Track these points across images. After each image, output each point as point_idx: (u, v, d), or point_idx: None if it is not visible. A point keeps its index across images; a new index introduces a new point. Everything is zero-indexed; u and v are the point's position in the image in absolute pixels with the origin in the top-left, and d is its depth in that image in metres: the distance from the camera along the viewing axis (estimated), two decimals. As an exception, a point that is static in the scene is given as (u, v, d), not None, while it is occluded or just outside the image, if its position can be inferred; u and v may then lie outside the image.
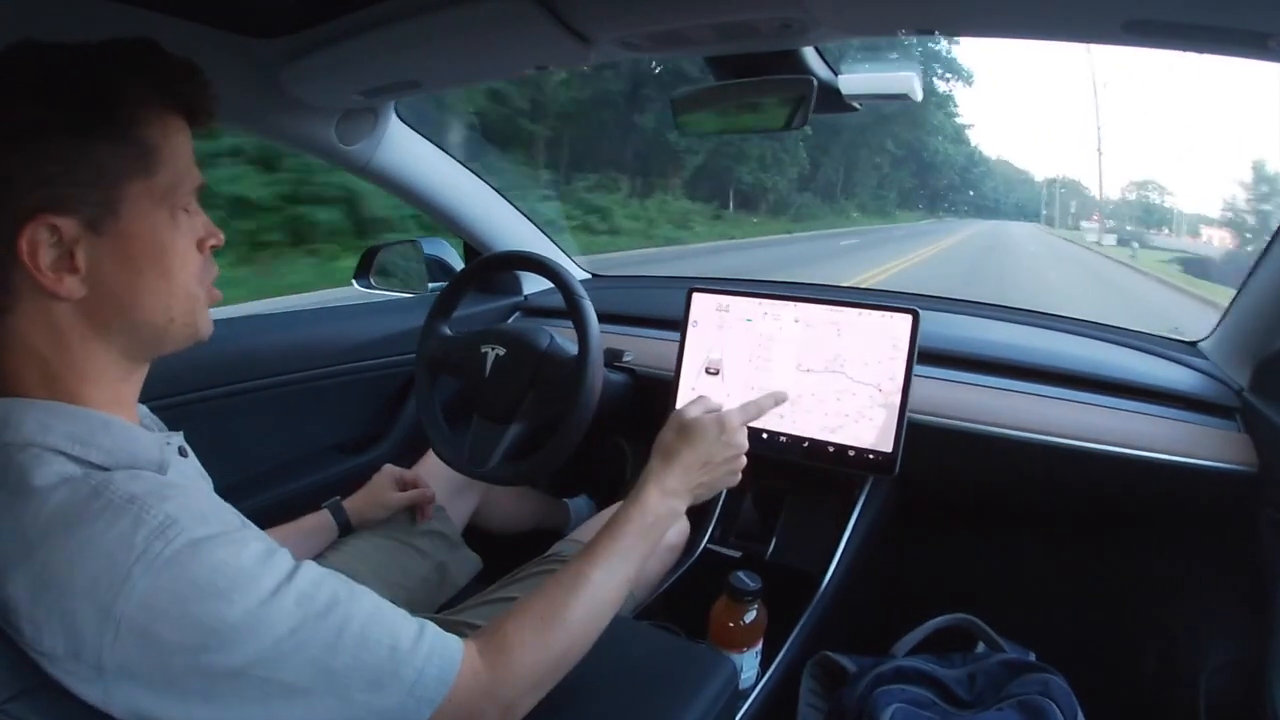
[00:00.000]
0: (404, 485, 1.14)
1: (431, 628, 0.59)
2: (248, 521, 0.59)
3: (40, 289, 0.52)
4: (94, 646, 0.48)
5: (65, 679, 0.49)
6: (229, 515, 0.57)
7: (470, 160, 1.50)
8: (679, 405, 1.32)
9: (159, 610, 0.48)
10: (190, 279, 0.58)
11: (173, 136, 0.56)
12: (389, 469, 1.15)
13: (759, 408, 0.85)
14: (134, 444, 0.56)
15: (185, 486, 0.55)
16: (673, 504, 0.76)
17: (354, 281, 1.63)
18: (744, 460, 0.82)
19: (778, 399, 0.88)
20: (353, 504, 1.10)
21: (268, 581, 0.52)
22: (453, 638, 0.60)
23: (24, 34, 0.53)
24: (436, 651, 0.58)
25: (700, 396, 0.85)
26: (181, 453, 0.65)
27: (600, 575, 0.68)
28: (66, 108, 0.51)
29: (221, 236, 0.62)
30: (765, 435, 1.26)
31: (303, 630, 0.52)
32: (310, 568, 0.56)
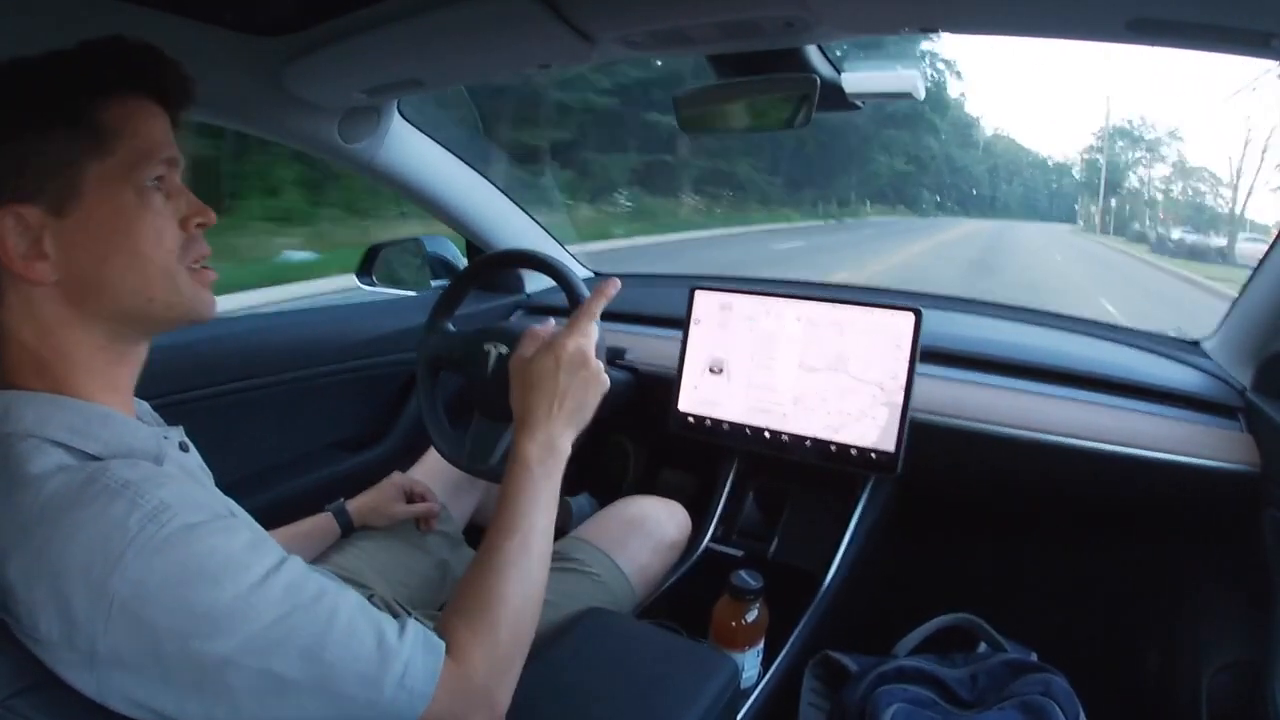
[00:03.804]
0: (410, 495, 1.15)
1: (415, 623, 0.60)
2: (238, 511, 0.60)
3: (16, 279, 0.54)
4: (87, 631, 0.48)
5: (60, 668, 0.49)
6: (220, 505, 0.57)
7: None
8: (680, 403, 1.33)
9: (150, 593, 0.48)
10: (166, 256, 0.58)
11: (135, 119, 0.57)
12: (397, 478, 1.14)
13: (589, 314, 0.81)
14: (131, 436, 0.57)
15: (179, 476, 0.56)
16: (553, 446, 0.75)
17: (356, 280, 1.63)
18: (596, 365, 0.79)
19: (606, 293, 0.83)
20: (356, 507, 1.10)
21: (257, 568, 0.53)
22: (435, 635, 0.61)
23: (27, 30, 0.54)
24: (422, 645, 0.58)
25: (527, 332, 0.81)
26: (183, 448, 0.65)
27: (513, 543, 0.68)
28: (23, 105, 0.53)
29: (211, 215, 0.62)
30: (768, 434, 1.26)
31: (292, 618, 0.53)
32: (298, 561, 0.57)
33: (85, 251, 0.55)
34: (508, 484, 0.73)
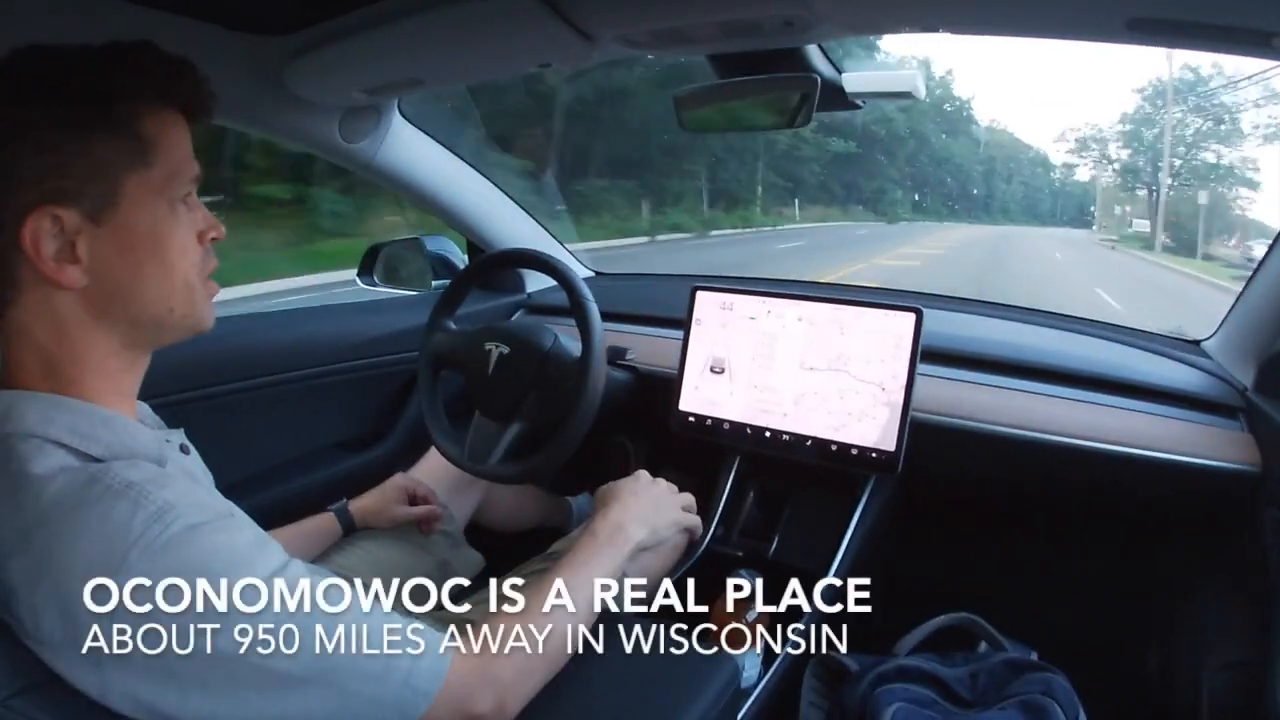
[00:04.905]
0: (413, 497, 1.15)
1: (421, 623, 0.60)
2: (239, 513, 0.60)
3: (43, 279, 0.54)
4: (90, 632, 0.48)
5: (63, 669, 0.50)
6: (222, 506, 0.58)
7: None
8: (681, 402, 1.33)
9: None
10: (189, 269, 0.60)
11: (169, 131, 0.58)
12: (400, 480, 1.14)
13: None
14: (133, 439, 0.57)
15: (182, 477, 0.56)
16: (622, 529, 0.86)
17: (357, 279, 1.63)
18: (668, 487, 0.97)
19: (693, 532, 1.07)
20: (359, 508, 1.10)
21: (262, 567, 0.53)
22: (443, 634, 0.61)
23: (28, 30, 0.54)
24: (429, 644, 0.59)
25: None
26: (183, 450, 0.65)
27: (569, 577, 0.74)
28: (67, 106, 0.53)
29: (222, 229, 0.63)
30: (768, 434, 1.26)
31: (297, 615, 0.53)
32: (300, 563, 0.58)
33: (119, 259, 0.55)
34: (577, 544, 0.83)
